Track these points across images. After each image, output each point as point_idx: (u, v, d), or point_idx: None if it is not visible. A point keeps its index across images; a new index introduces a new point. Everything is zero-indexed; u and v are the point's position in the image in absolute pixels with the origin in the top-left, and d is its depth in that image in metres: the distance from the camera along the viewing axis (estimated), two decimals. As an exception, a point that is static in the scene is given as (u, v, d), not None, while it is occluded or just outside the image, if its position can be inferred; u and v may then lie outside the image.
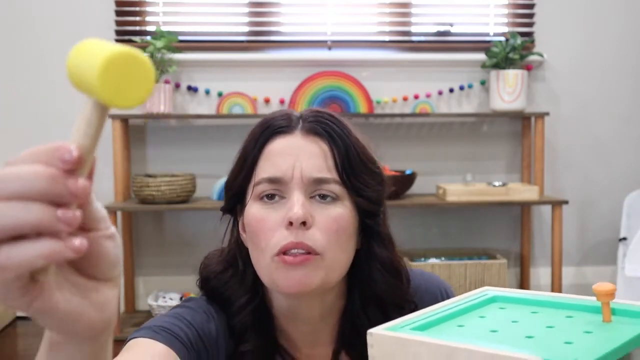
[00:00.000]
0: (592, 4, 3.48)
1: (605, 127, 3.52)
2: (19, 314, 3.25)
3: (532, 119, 3.36)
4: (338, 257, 0.90)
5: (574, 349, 0.50)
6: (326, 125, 0.93)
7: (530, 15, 3.47)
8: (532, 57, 3.35)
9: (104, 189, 3.17)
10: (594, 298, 0.60)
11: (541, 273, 3.50)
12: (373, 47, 3.44)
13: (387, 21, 3.47)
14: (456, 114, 3.29)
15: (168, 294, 3.17)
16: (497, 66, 3.27)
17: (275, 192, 0.90)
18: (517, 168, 3.49)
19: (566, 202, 3.17)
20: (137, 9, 3.33)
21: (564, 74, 3.48)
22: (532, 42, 3.44)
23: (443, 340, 0.51)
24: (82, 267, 0.49)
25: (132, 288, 3.29)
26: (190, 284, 3.14)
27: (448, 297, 1.03)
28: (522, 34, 3.41)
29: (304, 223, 0.87)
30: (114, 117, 3.05)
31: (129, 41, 3.24)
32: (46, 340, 0.53)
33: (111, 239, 0.49)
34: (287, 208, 0.88)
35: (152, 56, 3.08)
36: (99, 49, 0.43)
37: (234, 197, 0.96)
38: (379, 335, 0.56)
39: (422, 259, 3.21)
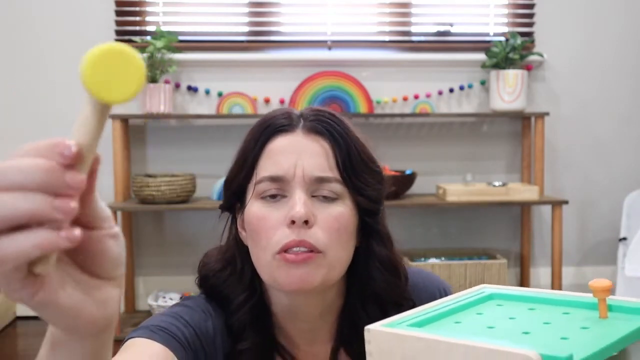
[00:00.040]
0: (592, 4, 3.48)
1: (605, 127, 3.52)
2: (19, 313, 3.25)
3: (532, 119, 3.36)
4: (339, 255, 0.91)
5: (570, 344, 0.51)
6: (327, 124, 0.93)
7: (530, 15, 3.47)
8: (532, 57, 3.35)
9: (104, 189, 3.17)
10: (591, 295, 0.60)
11: (541, 273, 3.50)
12: (373, 47, 3.44)
13: (387, 21, 3.47)
14: (456, 114, 3.29)
15: (168, 294, 3.17)
16: (497, 66, 3.27)
17: (277, 191, 0.90)
18: (517, 168, 3.49)
19: (566, 202, 3.17)
20: (137, 9, 3.34)
21: (564, 74, 3.48)
22: (532, 42, 3.44)
23: (440, 336, 0.51)
24: (85, 264, 0.50)
25: (132, 288, 3.30)
26: (190, 284, 3.13)
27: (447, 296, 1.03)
28: (522, 34, 3.41)
29: (306, 222, 0.87)
30: (114, 117, 3.05)
31: (129, 41, 3.24)
32: (48, 337, 0.53)
33: (114, 238, 0.50)
34: (289, 206, 0.89)
35: (152, 56, 3.08)
36: (95, 48, 0.44)
37: (234, 195, 0.97)
38: (377, 332, 0.56)
39: (422, 259, 3.21)
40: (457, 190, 3.13)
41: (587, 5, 3.48)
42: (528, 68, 3.36)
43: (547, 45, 3.45)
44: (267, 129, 0.93)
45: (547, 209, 3.44)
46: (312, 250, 0.87)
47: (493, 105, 3.29)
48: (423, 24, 3.47)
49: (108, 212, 0.50)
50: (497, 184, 3.25)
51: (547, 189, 3.45)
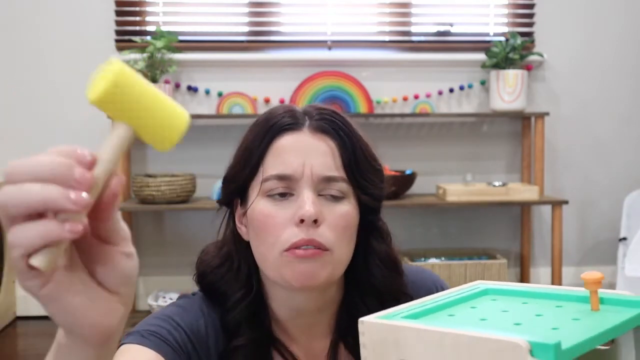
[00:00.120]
0: (592, 4, 3.48)
1: (605, 127, 3.52)
2: (19, 313, 3.25)
3: (532, 119, 3.36)
4: (344, 252, 0.92)
5: (560, 333, 0.51)
6: (333, 123, 0.94)
7: (530, 15, 3.47)
8: (532, 57, 3.36)
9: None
10: (585, 290, 0.60)
11: (541, 273, 3.50)
12: (373, 47, 3.45)
13: (387, 21, 3.48)
14: (456, 114, 3.29)
15: (168, 294, 3.17)
16: (497, 66, 3.27)
17: (285, 189, 0.91)
18: (517, 168, 3.49)
19: (566, 202, 3.17)
20: (137, 9, 3.34)
21: (564, 74, 3.49)
22: (532, 42, 3.45)
23: (432, 326, 0.52)
24: (94, 273, 0.53)
25: (132, 288, 3.29)
26: (190, 284, 3.13)
27: (443, 292, 1.04)
28: (522, 34, 3.41)
29: (315, 221, 0.88)
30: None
31: (129, 41, 3.25)
32: (55, 343, 0.56)
33: (128, 257, 0.53)
34: (297, 205, 0.89)
35: (152, 56, 3.09)
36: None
37: (235, 191, 0.97)
38: (370, 323, 0.56)
39: (422, 259, 3.21)
40: (457, 190, 3.13)
41: (587, 5, 3.48)
42: (528, 68, 3.36)
43: (547, 45, 3.45)
44: (273, 126, 0.94)
45: (547, 209, 3.44)
46: (320, 248, 0.89)
47: (493, 105, 3.29)
48: (423, 24, 3.47)
49: (127, 233, 0.54)
50: (497, 184, 3.25)
51: (547, 189, 3.45)
